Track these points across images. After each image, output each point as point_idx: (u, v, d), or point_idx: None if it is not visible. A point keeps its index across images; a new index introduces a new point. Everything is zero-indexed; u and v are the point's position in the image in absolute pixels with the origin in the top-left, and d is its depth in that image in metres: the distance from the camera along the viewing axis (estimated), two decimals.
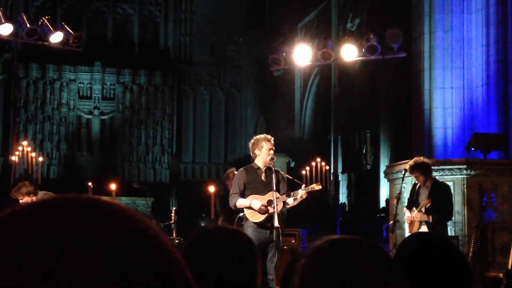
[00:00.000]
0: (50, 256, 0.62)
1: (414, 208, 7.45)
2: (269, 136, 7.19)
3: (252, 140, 7.22)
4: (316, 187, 7.11)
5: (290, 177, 7.88)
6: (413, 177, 7.63)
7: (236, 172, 7.65)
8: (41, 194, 7.22)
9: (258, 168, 7.13)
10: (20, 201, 6.99)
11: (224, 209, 8.35)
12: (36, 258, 0.62)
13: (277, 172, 7.13)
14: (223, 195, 8.61)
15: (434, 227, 7.27)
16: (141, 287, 0.64)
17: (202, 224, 20.62)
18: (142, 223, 0.68)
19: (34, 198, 6.95)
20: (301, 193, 6.95)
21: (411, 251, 2.11)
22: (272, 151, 7.05)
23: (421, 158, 7.60)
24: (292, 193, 7.03)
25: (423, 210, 7.34)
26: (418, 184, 7.58)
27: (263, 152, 7.05)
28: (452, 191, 9.24)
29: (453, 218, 8.14)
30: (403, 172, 7.90)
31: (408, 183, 8.62)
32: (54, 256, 0.62)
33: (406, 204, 7.75)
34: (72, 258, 0.63)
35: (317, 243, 1.42)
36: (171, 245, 0.69)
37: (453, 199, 7.81)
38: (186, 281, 0.68)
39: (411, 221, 7.45)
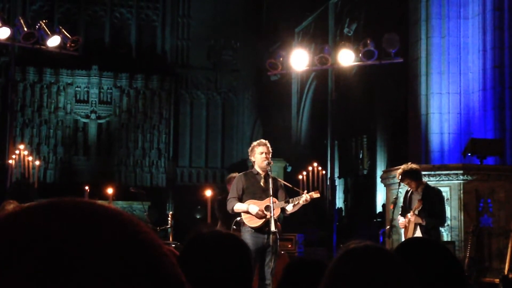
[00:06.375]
0: (46, 258, 0.62)
1: (408, 215, 7.47)
2: (263, 141, 7.19)
3: (250, 148, 7.26)
4: (315, 195, 7.10)
5: (290, 185, 7.87)
6: (404, 184, 7.64)
7: None
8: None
9: (257, 173, 7.14)
10: None
11: (222, 213, 8.27)
12: (32, 260, 0.62)
13: (275, 179, 7.15)
14: (222, 199, 8.48)
15: (428, 231, 7.29)
16: None
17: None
18: (137, 227, 0.68)
19: None
20: (305, 197, 6.95)
21: (406, 256, 2.11)
22: (265, 155, 7.02)
23: (409, 164, 7.61)
24: (291, 200, 7.03)
25: (416, 213, 7.36)
26: (410, 191, 7.61)
27: (256, 157, 7.06)
28: (449, 196, 9.27)
29: (447, 223, 8.14)
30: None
31: (404, 188, 8.62)
32: (49, 259, 0.62)
33: (400, 212, 7.76)
34: (67, 261, 0.63)
35: (352, 246, 1.48)
36: (166, 248, 0.69)
37: (445, 204, 7.80)
38: (180, 285, 0.68)
39: (405, 226, 7.46)
